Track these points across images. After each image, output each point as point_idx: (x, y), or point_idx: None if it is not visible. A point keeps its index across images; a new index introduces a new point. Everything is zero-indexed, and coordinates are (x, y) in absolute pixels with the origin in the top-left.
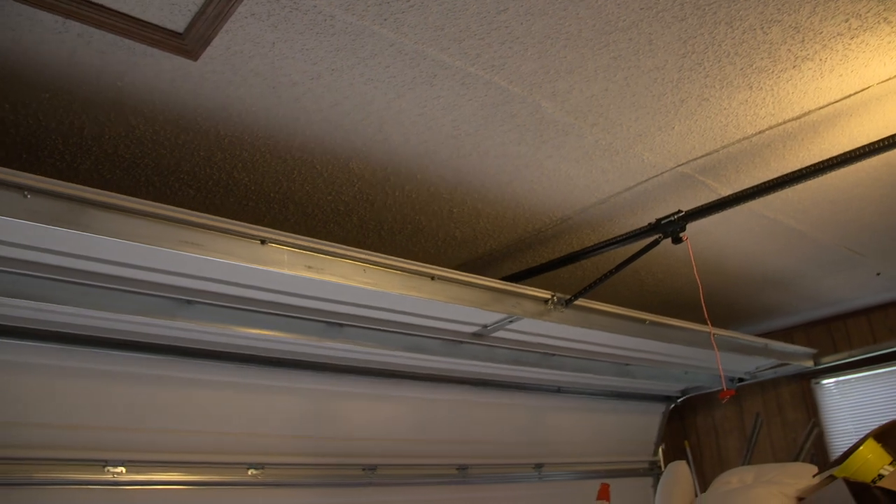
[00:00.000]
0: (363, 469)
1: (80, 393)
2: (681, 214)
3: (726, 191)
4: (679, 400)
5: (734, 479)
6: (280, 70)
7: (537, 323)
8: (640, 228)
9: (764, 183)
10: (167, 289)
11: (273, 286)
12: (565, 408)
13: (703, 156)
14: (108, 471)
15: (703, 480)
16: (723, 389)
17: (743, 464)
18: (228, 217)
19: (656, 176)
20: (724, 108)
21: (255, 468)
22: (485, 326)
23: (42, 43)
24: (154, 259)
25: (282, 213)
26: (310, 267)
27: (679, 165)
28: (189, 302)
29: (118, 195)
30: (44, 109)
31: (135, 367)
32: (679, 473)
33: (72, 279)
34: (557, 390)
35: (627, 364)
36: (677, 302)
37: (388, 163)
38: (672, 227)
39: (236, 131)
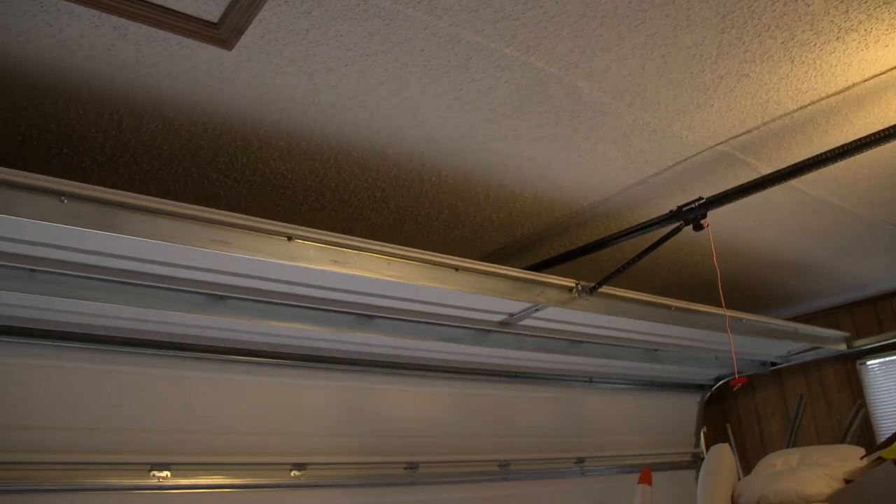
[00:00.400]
0: (405, 468)
1: (123, 396)
2: (702, 201)
3: (767, 168)
4: (714, 388)
5: (779, 462)
6: (314, 57)
7: (564, 310)
8: (662, 216)
9: (804, 160)
10: (200, 285)
11: (302, 280)
12: (603, 400)
13: (743, 133)
14: (153, 475)
15: (746, 464)
16: (735, 377)
17: (787, 446)
18: (266, 205)
19: (695, 155)
20: (765, 84)
21: (298, 469)
22: (511, 315)
23: (81, 37)
24: (186, 257)
25: (318, 201)
26: (335, 261)
27: (718, 144)
28: (222, 297)
29: (149, 197)
30: (83, 103)
31: (176, 368)
32: (722, 456)
33: (108, 277)
34: (590, 381)
35: (656, 350)
36: (713, 286)
37: (425, 148)
38: (693, 213)
39: (272, 120)
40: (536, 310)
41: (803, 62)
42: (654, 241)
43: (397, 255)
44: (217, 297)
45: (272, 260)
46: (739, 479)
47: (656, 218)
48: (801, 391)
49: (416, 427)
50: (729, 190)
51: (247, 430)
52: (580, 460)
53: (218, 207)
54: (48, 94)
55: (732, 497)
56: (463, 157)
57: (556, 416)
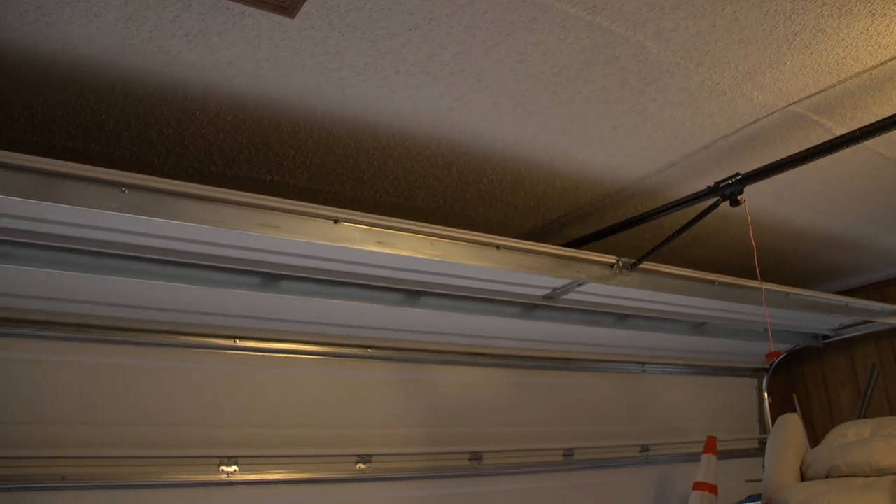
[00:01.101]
0: (469, 458)
1: (191, 391)
2: (738, 177)
3: (841, 129)
4: (770, 368)
5: (850, 433)
6: (377, 22)
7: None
8: (699, 192)
9: (884, 119)
10: (256, 264)
11: (350, 258)
12: (661, 386)
13: (817, 92)
14: (222, 470)
15: (813, 435)
16: (771, 351)
17: (857, 417)
18: (328, 175)
19: (766, 116)
20: (842, 40)
21: (363, 461)
22: (555, 289)
23: (146, 9)
24: (240, 239)
25: (381, 169)
26: (380, 242)
27: (791, 104)
28: (276, 276)
29: (203, 186)
30: (152, 75)
31: (242, 364)
32: (790, 426)
33: (167, 258)
34: (642, 367)
35: (703, 323)
36: (767, 262)
37: (489, 114)
38: (730, 189)
39: (335, 87)
40: (579, 284)
41: (885, 15)
42: (694, 216)
43: (440, 234)
44: (271, 276)
45: (319, 242)
46: (808, 450)
47: (694, 194)
48: (873, 360)
49: (479, 417)
50: (767, 165)
51: (311, 423)
52: (644, 448)
53: (281, 177)
54: (118, 69)
55: (801, 468)
56: (527, 121)
57: (618, 403)
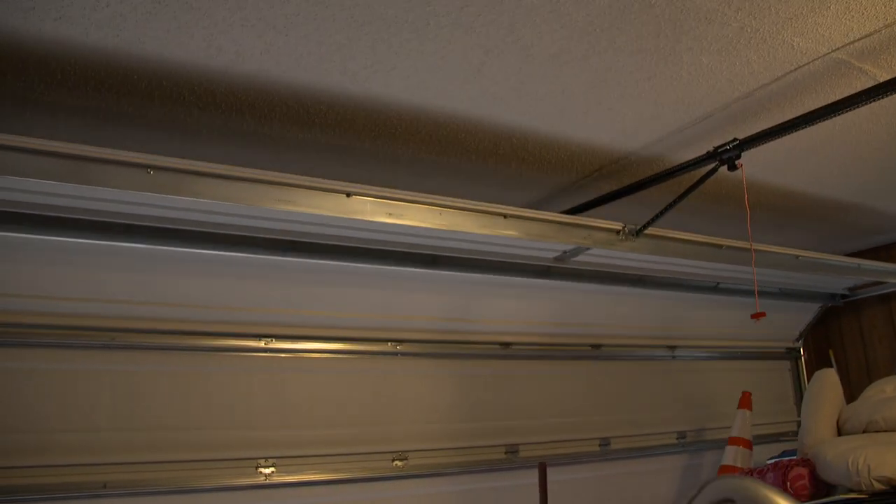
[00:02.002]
0: (506, 451)
1: (226, 394)
2: (736, 143)
3: (886, 76)
4: (844, 300)
5: (889, 388)
6: None
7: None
8: (698, 157)
9: None
10: (277, 233)
11: (368, 227)
12: (694, 371)
13: (862, 38)
14: (259, 472)
15: (849, 391)
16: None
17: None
18: (365, 132)
19: (807, 64)
20: None
21: (399, 458)
22: (564, 252)
23: None
24: (264, 211)
25: (414, 124)
26: (390, 213)
27: (833, 51)
28: (293, 243)
29: (223, 165)
30: (183, 34)
31: (275, 366)
32: (827, 381)
33: (191, 227)
34: (672, 352)
35: (717, 284)
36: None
37: (522, 66)
38: (728, 154)
39: (368, 43)
40: (587, 249)
41: None
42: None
43: (448, 205)
44: (289, 242)
45: (332, 215)
46: (844, 406)
47: (693, 159)
48: None
49: (513, 409)
50: (765, 130)
51: (346, 422)
52: (681, 435)
53: (313, 135)
54: (144, 30)
55: (838, 422)
56: (560, 72)
57: (651, 391)
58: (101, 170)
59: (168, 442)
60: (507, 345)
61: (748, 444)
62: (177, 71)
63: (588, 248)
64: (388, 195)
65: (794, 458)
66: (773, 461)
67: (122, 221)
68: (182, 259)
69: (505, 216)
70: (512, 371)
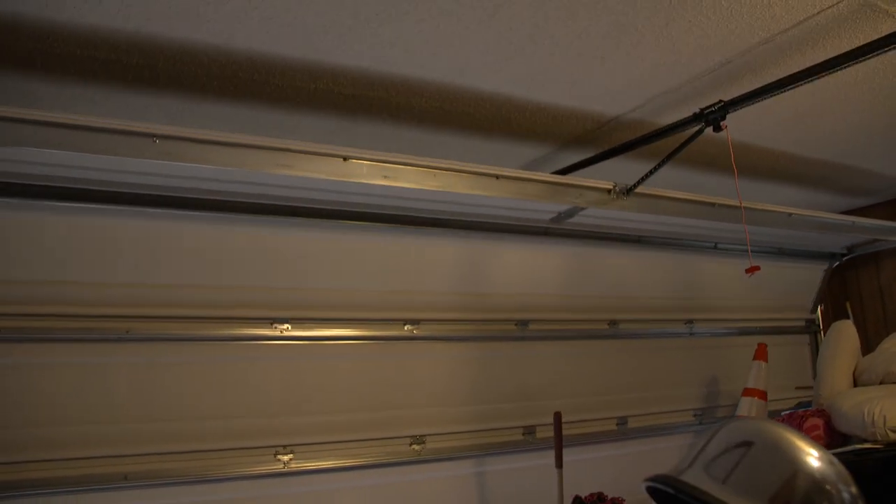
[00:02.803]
0: (523, 433)
1: (242, 383)
2: (721, 104)
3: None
4: (844, 258)
5: None
6: None
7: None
8: (684, 119)
9: None
10: (279, 199)
11: (365, 191)
12: (712, 347)
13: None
14: (278, 458)
15: (867, 343)
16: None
17: None
18: (379, 82)
19: (831, 7)
20: None
21: (417, 443)
22: (559, 214)
23: None
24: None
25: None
26: (386, 176)
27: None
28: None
29: (225, 133)
30: None
31: (289, 353)
32: (844, 332)
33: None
34: (690, 327)
35: (716, 244)
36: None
37: (536, 12)
38: (713, 115)
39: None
40: (582, 208)
41: None
42: (683, 141)
43: (442, 168)
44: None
45: (329, 178)
46: (861, 357)
47: (679, 121)
48: None
49: (530, 391)
50: (749, 91)
51: (362, 407)
52: (697, 412)
53: (325, 84)
54: None
55: (854, 374)
56: (578, 15)
57: (669, 368)
58: (109, 139)
59: (186, 432)
60: (524, 323)
61: (763, 395)
62: (193, 49)
63: (582, 209)
64: (384, 158)
65: (810, 408)
66: (788, 412)
67: (130, 191)
68: (190, 236)
69: (497, 177)
70: (528, 352)
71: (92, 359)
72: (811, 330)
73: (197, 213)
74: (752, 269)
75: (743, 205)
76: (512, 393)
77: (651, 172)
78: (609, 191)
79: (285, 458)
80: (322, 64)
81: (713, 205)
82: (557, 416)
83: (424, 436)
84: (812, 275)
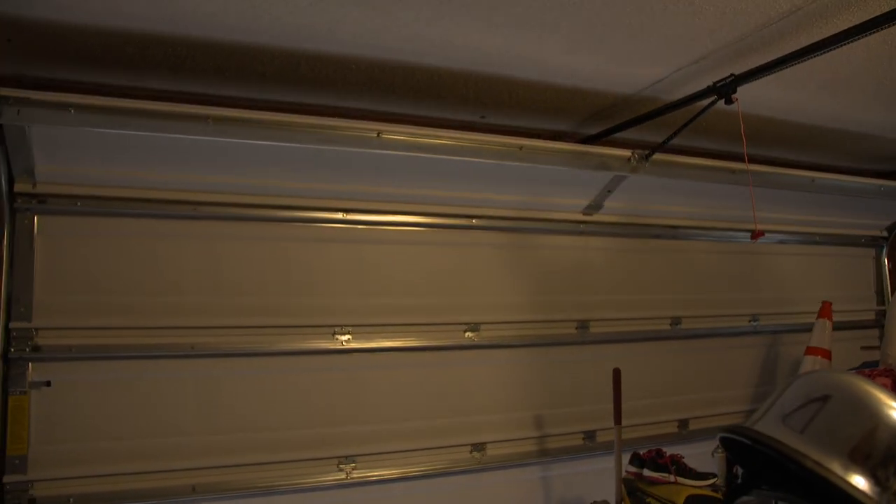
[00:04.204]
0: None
1: (306, 393)
2: (732, 78)
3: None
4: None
5: None
6: None
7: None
8: (697, 91)
9: None
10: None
11: None
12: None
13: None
14: (341, 468)
15: None
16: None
17: None
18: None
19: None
20: None
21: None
22: (589, 205)
23: None
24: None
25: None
26: (417, 149)
27: None
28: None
29: (269, 112)
30: None
31: (350, 365)
32: None
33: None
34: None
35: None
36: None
37: (526, 8)
38: (725, 89)
39: None
40: (609, 192)
41: None
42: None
43: (468, 140)
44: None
45: (362, 150)
46: None
47: (693, 94)
48: None
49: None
50: (760, 66)
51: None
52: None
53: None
54: None
55: None
56: (564, 14)
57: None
58: (174, 124)
59: (251, 443)
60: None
61: (827, 355)
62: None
63: (611, 190)
64: (414, 132)
65: (877, 367)
66: (854, 370)
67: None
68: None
69: (521, 147)
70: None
71: (158, 374)
72: (878, 245)
73: (256, 223)
74: (756, 234)
75: (750, 168)
76: (572, 397)
77: (667, 140)
78: (629, 158)
79: (348, 467)
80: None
81: (732, 171)
82: (616, 372)
83: (484, 443)
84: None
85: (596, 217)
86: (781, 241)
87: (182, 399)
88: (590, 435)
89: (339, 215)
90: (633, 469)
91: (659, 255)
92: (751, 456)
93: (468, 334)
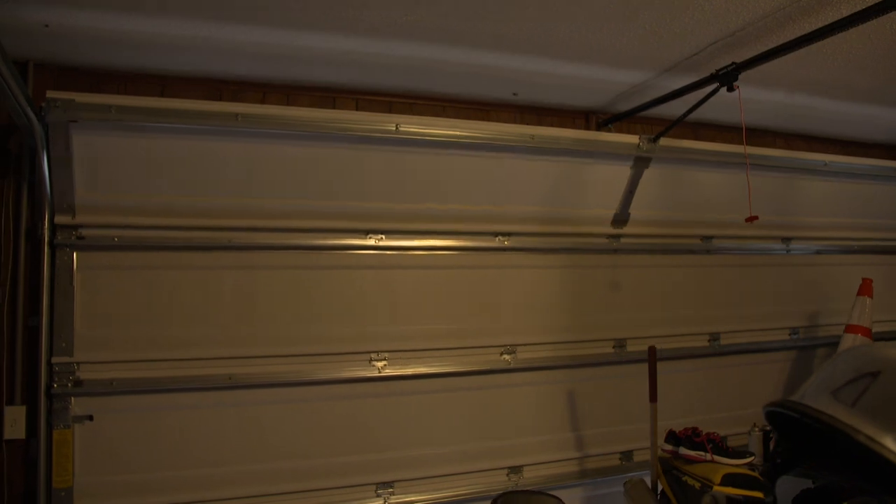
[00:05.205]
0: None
1: (344, 419)
2: (733, 66)
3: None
4: None
5: None
6: None
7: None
8: (701, 79)
9: None
10: None
11: None
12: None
13: None
14: (377, 493)
15: None
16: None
17: None
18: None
19: None
20: None
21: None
22: (616, 214)
23: None
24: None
25: None
26: (434, 139)
27: None
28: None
29: (296, 108)
30: None
31: (387, 391)
32: None
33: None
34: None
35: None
36: None
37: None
38: (727, 77)
39: None
40: (631, 192)
41: None
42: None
43: (481, 130)
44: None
45: (382, 135)
46: None
47: (696, 81)
48: None
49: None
50: (761, 53)
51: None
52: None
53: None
54: None
55: None
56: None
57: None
58: (207, 120)
59: (291, 471)
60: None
61: (867, 333)
62: None
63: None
64: (430, 122)
65: None
66: None
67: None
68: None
69: (532, 136)
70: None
71: (199, 405)
72: None
73: (291, 252)
74: (751, 219)
75: (748, 153)
76: (608, 417)
77: (673, 124)
78: (637, 145)
79: (386, 493)
80: None
81: (740, 154)
82: (652, 350)
83: (521, 466)
84: None
85: (626, 230)
86: (819, 252)
87: (221, 429)
88: (627, 455)
89: (372, 241)
90: (668, 447)
91: (693, 270)
92: (797, 431)
93: (504, 357)
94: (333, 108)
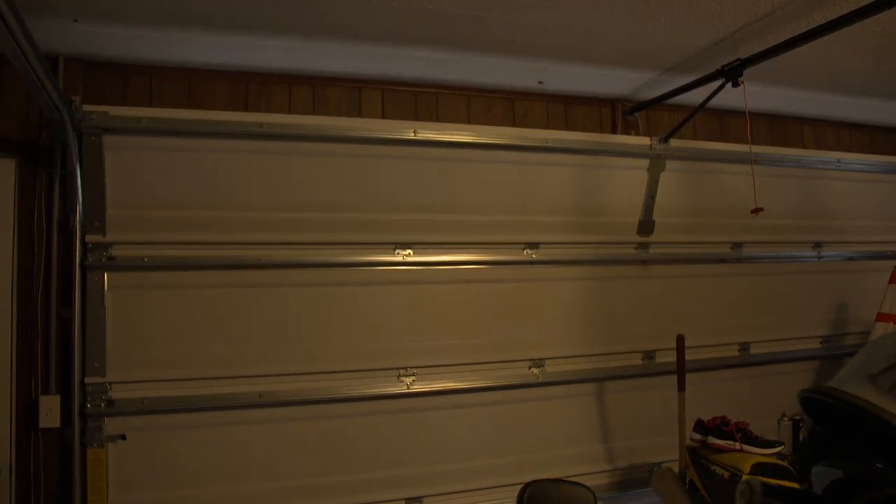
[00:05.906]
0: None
1: (371, 438)
2: (738, 62)
3: None
4: None
5: None
6: None
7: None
8: (707, 75)
9: None
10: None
11: None
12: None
13: None
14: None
15: None
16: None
17: None
18: None
19: None
20: None
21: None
22: (641, 222)
23: None
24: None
25: None
26: (451, 144)
27: None
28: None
29: (317, 117)
30: None
31: (415, 407)
32: None
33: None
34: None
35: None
36: None
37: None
38: (733, 72)
39: None
40: (651, 197)
41: None
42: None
43: (496, 136)
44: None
45: (401, 137)
46: None
47: (702, 77)
48: None
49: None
50: (766, 49)
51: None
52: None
53: None
54: None
55: None
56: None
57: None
58: (234, 130)
59: (321, 489)
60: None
61: None
62: None
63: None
64: (445, 128)
65: None
66: None
67: None
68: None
69: (547, 141)
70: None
71: (230, 422)
72: None
73: (318, 269)
74: (756, 210)
75: (753, 149)
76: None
77: (682, 124)
78: (650, 146)
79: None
80: None
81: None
82: (680, 339)
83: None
84: None
85: (653, 238)
86: (851, 258)
87: (252, 447)
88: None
89: (400, 257)
90: (697, 436)
91: (723, 280)
92: (832, 418)
93: (533, 370)
94: (359, 99)
